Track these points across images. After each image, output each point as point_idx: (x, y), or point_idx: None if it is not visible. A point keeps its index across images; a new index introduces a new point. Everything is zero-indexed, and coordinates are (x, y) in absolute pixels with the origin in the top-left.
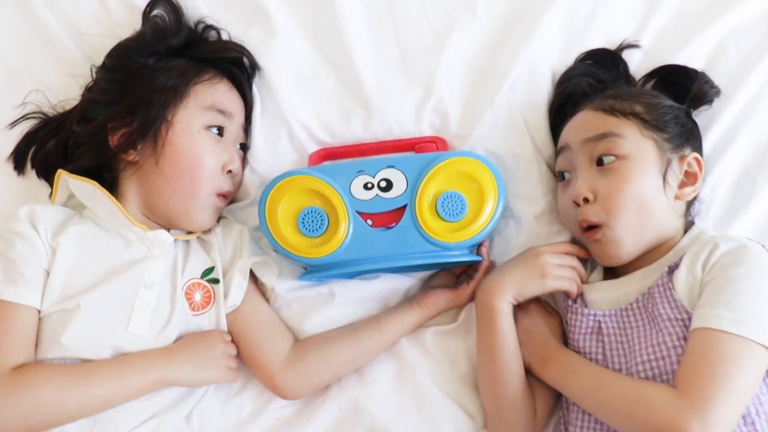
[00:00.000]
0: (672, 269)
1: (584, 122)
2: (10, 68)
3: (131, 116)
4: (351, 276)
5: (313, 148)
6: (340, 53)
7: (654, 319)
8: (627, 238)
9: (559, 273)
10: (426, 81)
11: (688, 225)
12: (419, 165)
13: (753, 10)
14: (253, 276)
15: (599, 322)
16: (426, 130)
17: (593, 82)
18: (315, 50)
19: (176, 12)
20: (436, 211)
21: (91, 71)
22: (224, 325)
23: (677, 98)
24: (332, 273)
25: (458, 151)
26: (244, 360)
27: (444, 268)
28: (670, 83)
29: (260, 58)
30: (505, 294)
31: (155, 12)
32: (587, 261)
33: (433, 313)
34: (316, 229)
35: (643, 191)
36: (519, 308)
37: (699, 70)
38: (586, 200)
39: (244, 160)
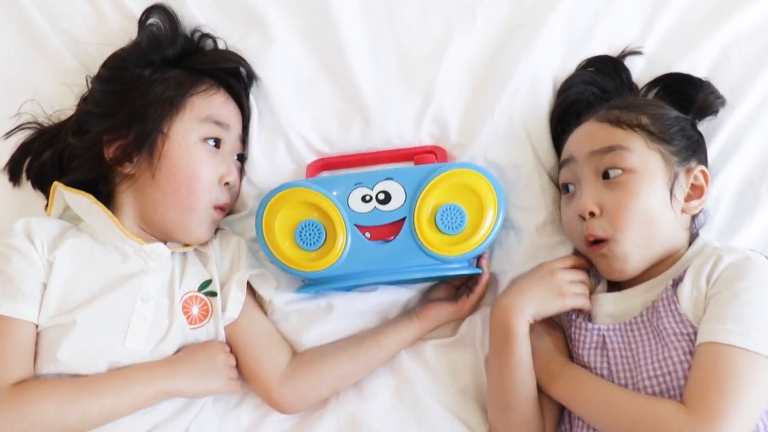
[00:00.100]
0: (676, 282)
1: (589, 134)
2: (4, 77)
3: (127, 129)
4: (349, 288)
5: (311, 158)
6: (338, 61)
7: (659, 333)
8: (633, 252)
9: (575, 290)
10: (426, 89)
11: (693, 237)
12: (418, 177)
13: (757, 16)
14: (250, 288)
15: (603, 336)
16: (425, 140)
17: (595, 91)
18: (313, 58)
19: (172, 20)
20: (435, 224)
21: (87, 81)
22: (222, 339)
23: (681, 107)
24: (330, 286)
25: (457, 163)
26: (242, 373)
27: (443, 280)
28: (674, 92)
29: (257, 67)
30: (524, 314)
31: (151, 20)
32: (588, 271)
33: (433, 326)
34: (314, 243)
35: (650, 205)
36: None
37: (704, 79)
38: (592, 214)
39: (241, 171)
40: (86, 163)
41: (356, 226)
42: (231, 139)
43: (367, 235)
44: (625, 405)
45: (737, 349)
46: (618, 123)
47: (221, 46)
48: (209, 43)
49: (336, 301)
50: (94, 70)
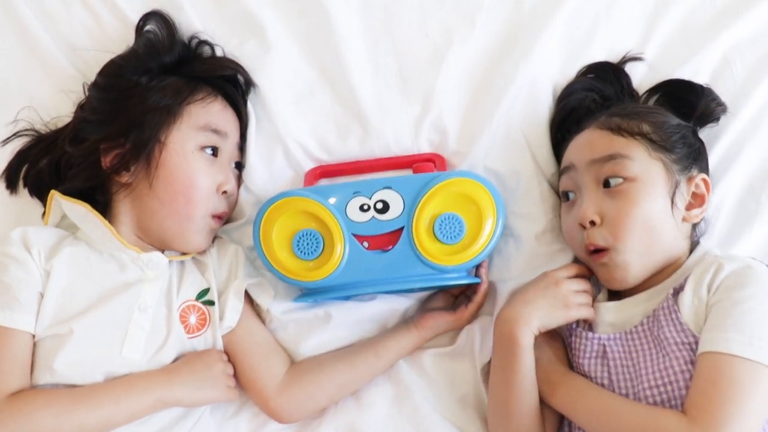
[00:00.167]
0: (677, 291)
1: (590, 142)
2: (1, 84)
3: (124, 137)
4: (347, 297)
5: (309, 165)
6: (336, 68)
7: (660, 342)
8: (634, 261)
9: (579, 300)
10: (424, 96)
11: (694, 245)
12: (416, 186)
13: (759, 22)
14: (248, 297)
15: (604, 345)
16: (424, 147)
17: (596, 97)
18: (311, 65)
19: (169, 27)
20: (434, 234)
21: (84, 89)
22: (220, 347)
23: (682, 114)
24: (328, 295)
25: (455, 172)
26: (240, 383)
27: (442, 289)
28: (675, 99)
29: (255, 75)
30: (530, 326)
31: (148, 27)
32: (589, 279)
33: (431, 335)
34: (312, 252)
35: (651, 214)
36: None
37: (705, 86)
38: (592, 223)
39: (239, 179)
40: (83, 172)
41: (354, 235)
42: (229, 148)
43: (365, 244)
44: (625, 415)
45: (739, 359)
46: (619, 131)
47: (219, 52)
48: (207, 49)
49: (334, 311)
50: (92, 77)
